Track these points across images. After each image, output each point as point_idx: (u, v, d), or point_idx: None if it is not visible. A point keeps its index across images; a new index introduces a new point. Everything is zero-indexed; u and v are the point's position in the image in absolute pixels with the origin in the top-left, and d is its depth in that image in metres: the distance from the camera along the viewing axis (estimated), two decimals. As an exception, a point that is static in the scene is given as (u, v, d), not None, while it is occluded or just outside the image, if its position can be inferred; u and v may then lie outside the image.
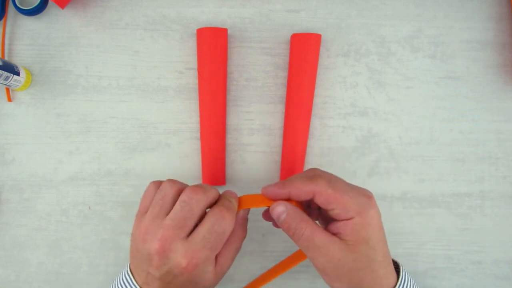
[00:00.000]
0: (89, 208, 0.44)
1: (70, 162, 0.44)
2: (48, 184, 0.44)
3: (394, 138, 0.45)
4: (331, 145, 0.44)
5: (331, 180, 0.33)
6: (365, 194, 0.33)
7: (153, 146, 0.44)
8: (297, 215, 0.33)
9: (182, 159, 0.44)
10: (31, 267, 0.43)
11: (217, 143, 0.43)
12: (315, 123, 0.44)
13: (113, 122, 0.44)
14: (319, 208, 0.36)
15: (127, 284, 0.34)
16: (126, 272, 0.35)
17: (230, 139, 0.44)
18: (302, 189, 0.33)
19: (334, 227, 0.33)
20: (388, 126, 0.45)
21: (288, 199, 0.34)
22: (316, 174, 0.33)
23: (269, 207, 0.35)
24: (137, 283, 0.34)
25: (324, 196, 0.32)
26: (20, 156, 0.44)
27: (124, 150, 0.44)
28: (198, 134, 0.44)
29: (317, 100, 0.45)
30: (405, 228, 0.44)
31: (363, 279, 0.32)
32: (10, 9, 0.45)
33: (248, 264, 0.43)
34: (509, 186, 0.44)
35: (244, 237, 0.36)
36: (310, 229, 0.32)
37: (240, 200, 0.35)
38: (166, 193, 0.34)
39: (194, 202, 0.33)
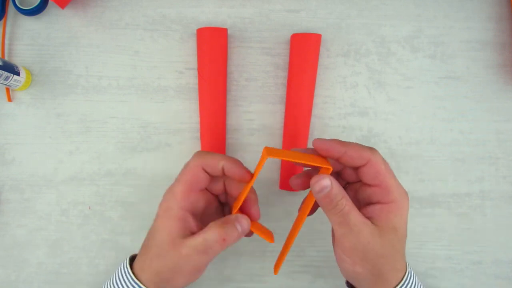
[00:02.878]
0: (89, 208, 0.44)
1: (70, 162, 0.44)
2: (48, 184, 0.44)
3: (394, 138, 0.45)
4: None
5: (385, 161, 0.34)
6: (405, 190, 0.34)
7: (153, 146, 0.44)
8: (340, 190, 0.33)
9: (182, 159, 0.44)
10: (31, 267, 0.43)
11: (217, 143, 0.43)
12: (315, 123, 0.44)
13: (113, 122, 0.44)
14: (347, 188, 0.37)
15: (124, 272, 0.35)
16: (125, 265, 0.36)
17: (230, 139, 0.44)
18: (359, 152, 0.33)
19: (368, 210, 0.33)
20: (388, 126, 0.45)
21: (337, 159, 0.34)
22: (373, 148, 0.34)
23: (307, 178, 0.35)
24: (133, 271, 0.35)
25: (376, 168, 0.33)
26: (20, 156, 0.44)
27: (124, 150, 0.44)
28: (198, 134, 0.44)
29: (317, 100, 0.45)
30: (405, 228, 0.44)
31: (383, 266, 0.33)
32: (10, 9, 0.45)
33: (248, 264, 0.43)
34: (509, 186, 0.44)
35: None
36: (350, 206, 0.32)
37: (270, 151, 0.33)
38: None
39: (191, 161, 0.35)
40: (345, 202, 0.32)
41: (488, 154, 0.45)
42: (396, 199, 0.33)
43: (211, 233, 0.33)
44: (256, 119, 0.44)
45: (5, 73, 0.40)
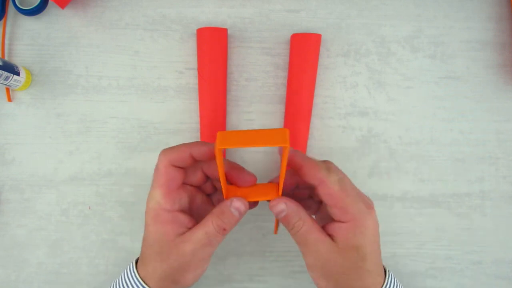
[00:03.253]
0: (89, 208, 0.44)
1: (70, 162, 0.44)
2: (48, 184, 0.44)
3: (394, 138, 0.45)
4: (331, 145, 0.44)
5: (342, 178, 0.33)
6: (367, 203, 0.34)
7: (153, 146, 0.44)
8: (296, 213, 0.33)
9: (182, 159, 0.44)
10: (31, 267, 0.43)
11: (217, 143, 0.43)
12: (315, 123, 0.44)
13: (113, 122, 0.44)
14: (320, 202, 0.37)
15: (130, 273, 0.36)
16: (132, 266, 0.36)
17: (230, 139, 0.44)
18: (313, 172, 0.33)
19: (330, 227, 0.33)
20: (388, 126, 0.45)
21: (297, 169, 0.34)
22: (331, 167, 0.34)
23: (269, 199, 0.34)
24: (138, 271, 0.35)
25: (329, 190, 0.32)
26: (20, 156, 0.44)
27: (124, 150, 0.44)
28: (198, 134, 0.44)
29: (317, 100, 0.45)
30: (405, 228, 0.44)
31: (348, 282, 0.33)
32: (10, 9, 0.45)
33: (248, 264, 0.43)
34: (509, 186, 0.44)
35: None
36: (307, 226, 0.33)
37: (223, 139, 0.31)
38: None
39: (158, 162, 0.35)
40: (302, 224, 0.33)
41: (488, 154, 0.45)
42: (355, 218, 0.32)
43: (210, 226, 0.33)
44: (256, 119, 0.44)
45: (5, 73, 0.40)
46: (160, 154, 0.34)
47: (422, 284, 0.44)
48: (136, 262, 0.36)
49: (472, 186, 0.44)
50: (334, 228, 0.33)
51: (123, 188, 0.44)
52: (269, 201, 0.34)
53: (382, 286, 0.34)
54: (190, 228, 0.34)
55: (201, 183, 0.37)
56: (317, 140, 0.44)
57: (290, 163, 0.34)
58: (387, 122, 0.45)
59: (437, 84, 0.45)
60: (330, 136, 0.44)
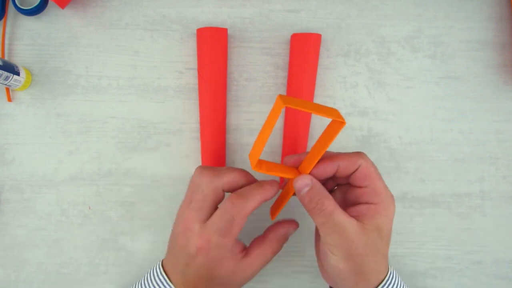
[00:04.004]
0: (89, 208, 0.44)
1: (70, 162, 0.44)
2: (48, 184, 0.44)
3: (394, 138, 0.45)
4: (331, 145, 0.44)
5: (373, 163, 0.35)
6: (391, 193, 0.35)
7: (153, 146, 0.44)
8: (320, 191, 0.33)
9: (182, 159, 0.44)
10: (31, 267, 0.43)
11: (217, 143, 0.43)
12: (315, 123, 0.44)
13: (113, 122, 0.44)
14: (336, 189, 0.38)
15: (156, 272, 0.36)
16: (158, 265, 0.37)
17: (230, 139, 0.44)
18: (350, 161, 0.34)
19: (354, 209, 0.34)
20: (388, 126, 0.45)
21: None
22: (363, 155, 0.35)
23: (299, 160, 0.35)
24: (165, 270, 0.36)
25: (366, 172, 0.33)
26: (20, 156, 0.44)
27: (124, 150, 0.44)
28: (198, 134, 0.44)
29: (317, 100, 0.44)
30: (405, 228, 0.44)
31: (366, 265, 0.33)
32: (10, 9, 0.45)
33: (248, 264, 0.43)
34: (509, 186, 0.44)
35: (276, 251, 0.37)
36: (332, 206, 0.33)
37: (262, 165, 0.34)
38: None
39: (204, 184, 0.34)
40: (327, 202, 0.33)
41: (488, 154, 0.45)
42: (383, 201, 0.34)
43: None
44: (256, 119, 0.44)
45: (5, 73, 0.40)
46: (236, 205, 0.33)
47: (422, 284, 0.44)
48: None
49: (472, 186, 0.44)
50: (362, 209, 0.33)
51: (123, 188, 0.44)
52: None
53: (387, 271, 0.35)
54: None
55: None
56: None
57: (324, 175, 0.34)
58: (387, 122, 0.45)
59: (437, 84, 0.45)
60: (330, 136, 0.44)
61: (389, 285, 0.34)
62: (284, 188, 0.37)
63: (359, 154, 0.34)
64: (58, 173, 0.44)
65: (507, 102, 0.45)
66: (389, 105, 0.45)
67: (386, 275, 0.35)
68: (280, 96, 0.30)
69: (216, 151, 0.43)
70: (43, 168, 0.44)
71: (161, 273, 0.35)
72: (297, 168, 0.35)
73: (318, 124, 0.44)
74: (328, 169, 0.34)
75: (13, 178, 0.44)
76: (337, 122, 0.31)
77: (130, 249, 0.43)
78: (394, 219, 0.44)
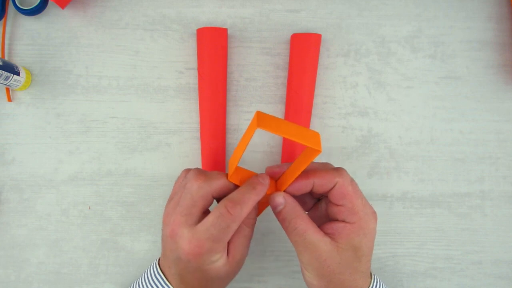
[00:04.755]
0: (89, 208, 0.44)
1: (70, 162, 0.44)
2: (48, 184, 0.44)
3: (394, 138, 0.45)
4: (331, 145, 0.44)
5: (354, 182, 0.34)
6: (372, 209, 0.34)
7: (153, 146, 0.44)
8: (294, 209, 0.33)
9: (182, 159, 0.44)
10: (31, 267, 0.43)
11: (217, 143, 0.43)
12: (315, 123, 0.44)
13: (113, 122, 0.44)
14: (316, 202, 0.37)
15: (153, 271, 0.36)
16: (155, 263, 0.37)
17: (230, 139, 0.44)
18: (326, 179, 0.33)
19: (330, 227, 0.33)
20: (388, 126, 0.45)
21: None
22: (343, 172, 0.34)
23: (280, 171, 0.34)
24: (161, 269, 0.35)
25: (342, 190, 0.33)
26: (20, 156, 0.44)
27: (124, 150, 0.44)
28: (198, 134, 0.44)
29: (317, 100, 0.45)
30: (405, 228, 0.44)
31: (341, 282, 0.33)
32: (10, 9, 0.45)
33: (248, 264, 0.43)
34: (509, 186, 0.44)
35: (250, 234, 0.36)
36: (304, 225, 0.33)
37: (238, 175, 0.33)
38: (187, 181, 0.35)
39: (194, 189, 0.33)
40: (299, 222, 0.33)
41: (488, 154, 0.45)
42: (360, 220, 0.33)
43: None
44: (256, 119, 0.44)
45: (5, 73, 0.40)
46: (233, 214, 0.32)
47: (422, 284, 0.44)
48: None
49: (472, 186, 0.44)
50: (337, 227, 0.33)
51: (123, 188, 0.44)
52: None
53: (369, 285, 0.34)
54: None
55: None
56: (317, 140, 0.44)
57: (299, 192, 0.34)
58: (387, 122, 0.45)
59: (437, 84, 0.45)
60: (330, 136, 0.44)
61: None
62: (262, 199, 0.36)
63: (337, 171, 0.33)
64: (58, 173, 0.44)
65: (507, 102, 0.45)
66: (389, 105, 0.45)
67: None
68: (258, 113, 0.29)
69: (216, 151, 0.43)
70: (43, 168, 0.44)
71: (158, 272, 0.35)
72: (275, 181, 0.35)
73: (318, 124, 0.44)
74: (302, 187, 0.33)
75: (13, 178, 0.44)
76: (312, 150, 0.30)
77: (130, 249, 0.43)
78: (394, 219, 0.44)
